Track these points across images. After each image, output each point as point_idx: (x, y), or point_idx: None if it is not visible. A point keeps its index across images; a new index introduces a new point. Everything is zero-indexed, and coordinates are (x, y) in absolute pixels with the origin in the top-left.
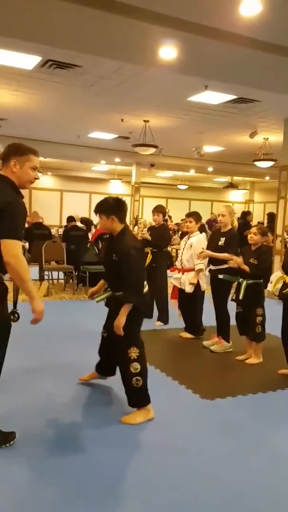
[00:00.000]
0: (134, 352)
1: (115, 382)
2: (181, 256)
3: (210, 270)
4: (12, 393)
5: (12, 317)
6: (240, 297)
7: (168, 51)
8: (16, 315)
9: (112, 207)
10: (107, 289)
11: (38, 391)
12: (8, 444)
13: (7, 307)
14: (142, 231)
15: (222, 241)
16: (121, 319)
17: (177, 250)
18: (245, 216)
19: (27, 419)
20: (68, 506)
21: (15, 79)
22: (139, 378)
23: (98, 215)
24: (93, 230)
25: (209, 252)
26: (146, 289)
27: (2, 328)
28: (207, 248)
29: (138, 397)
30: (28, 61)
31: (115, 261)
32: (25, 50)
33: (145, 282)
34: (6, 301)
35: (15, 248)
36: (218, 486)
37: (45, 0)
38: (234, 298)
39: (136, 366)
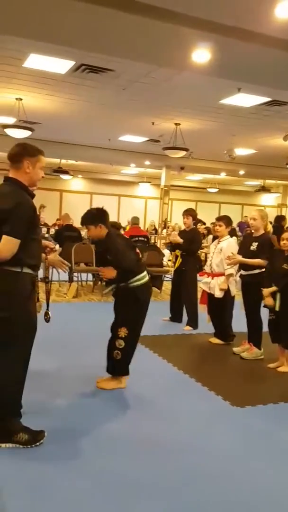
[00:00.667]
0: (123, 332)
1: (156, 392)
2: (210, 260)
3: (241, 275)
4: (42, 392)
5: (45, 318)
6: (277, 308)
7: (201, 54)
8: (48, 316)
9: (97, 216)
10: (107, 285)
11: (67, 390)
12: (37, 443)
13: (36, 305)
14: (170, 234)
15: (254, 246)
16: (112, 272)
17: (206, 254)
18: (280, 221)
19: (56, 418)
20: (93, 506)
21: (48, 83)
22: (119, 352)
23: (86, 226)
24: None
25: (239, 258)
26: (147, 279)
27: (28, 326)
28: (239, 253)
29: (114, 367)
30: (61, 65)
31: (111, 261)
32: (59, 54)
33: (146, 273)
34: (34, 298)
35: (7, 244)
36: (247, 491)
37: (79, 5)
38: (265, 305)
39: (120, 343)
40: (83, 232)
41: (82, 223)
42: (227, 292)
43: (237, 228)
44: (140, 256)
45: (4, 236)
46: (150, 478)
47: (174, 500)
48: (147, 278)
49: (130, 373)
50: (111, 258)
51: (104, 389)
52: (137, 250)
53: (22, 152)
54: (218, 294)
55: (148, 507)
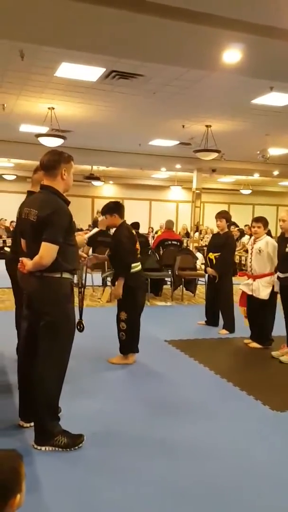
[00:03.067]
0: (123, 315)
1: (194, 397)
2: (250, 262)
3: (278, 278)
4: (78, 396)
5: (78, 327)
6: None
7: (232, 55)
8: (81, 325)
9: (113, 208)
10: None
11: (103, 395)
12: (76, 447)
13: (74, 311)
14: (203, 238)
15: None
16: (117, 289)
17: (240, 256)
18: None
19: (92, 422)
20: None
21: (80, 91)
22: (123, 333)
23: (104, 215)
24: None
25: None
26: (138, 268)
27: (68, 330)
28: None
29: (122, 346)
30: (92, 73)
31: (112, 245)
32: (89, 62)
33: (139, 263)
34: (73, 302)
35: (48, 251)
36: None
37: (108, 12)
38: None
39: (123, 325)
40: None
41: (102, 213)
42: (272, 293)
43: None
44: (139, 251)
45: (43, 243)
46: (193, 483)
47: (220, 506)
48: (139, 267)
49: (166, 378)
50: (112, 246)
51: (114, 364)
52: (137, 246)
53: (59, 159)
54: (264, 295)
55: None
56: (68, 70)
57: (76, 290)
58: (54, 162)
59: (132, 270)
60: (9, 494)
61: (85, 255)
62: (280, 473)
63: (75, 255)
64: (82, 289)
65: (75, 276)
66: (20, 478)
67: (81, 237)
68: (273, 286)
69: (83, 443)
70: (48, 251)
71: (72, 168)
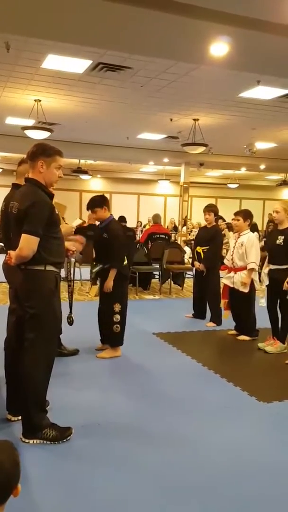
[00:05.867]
0: (117, 307)
1: (182, 388)
2: (232, 255)
3: (270, 270)
4: (66, 389)
5: (68, 321)
6: None
7: (219, 48)
8: (71, 319)
9: (103, 201)
10: (96, 264)
11: (92, 387)
12: (65, 440)
13: (60, 304)
14: (191, 231)
15: (280, 239)
16: (110, 281)
17: (226, 250)
18: None
19: (81, 414)
20: (127, 505)
21: (67, 83)
22: (118, 326)
23: (92, 210)
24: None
25: None
26: (125, 262)
27: (53, 323)
28: (266, 247)
29: (115, 340)
30: (79, 65)
31: (105, 239)
32: (76, 54)
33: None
34: (58, 295)
35: (28, 242)
36: (274, 484)
37: (95, 3)
38: None
39: (117, 317)
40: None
41: (89, 207)
42: (252, 286)
43: None
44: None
45: (23, 235)
46: (184, 472)
47: (211, 496)
48: (126, 260)
49: (155, 370)
50: (107, 237)
51: (105, 358)
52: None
53: (38, 152)
54: (243, 288)
55: (186, 505)
56: (54, 62)
57: (65, 284)
58: (32, 154)
59: (124, 262)
60: (13, 486)
61: (73, 248)
62: (270, 463)
63: (61, 248)
64: (72, 283)
65: (63, 269)
66: (19, 469)
67: (67, 226)
68: (252, 280)
69: (71, 435)
70: (27, 243)
71: (56, 162)
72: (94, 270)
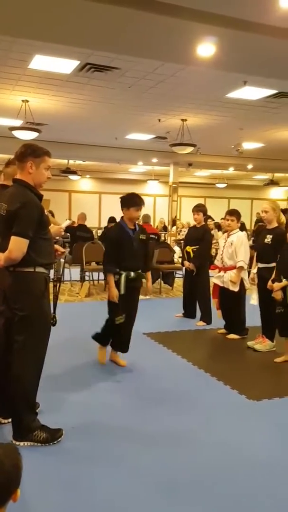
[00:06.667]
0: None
1: (172, 387)
2: (221, 254)
3: (258, 269)
4: (56, 390)
5: (51, 321)
6: None
7: (206, 48)
8: (54, 319)
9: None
10: (129, 271)
11: (83, 388)
12: (55, 442)
13: (49, 305)
14: (180, 231)
15: (268, 238)
16: (150, 282)
17: (216, 249)
18: (284, 214)
19: (71, 415)
20: (124, 503)
21: (54, 84)
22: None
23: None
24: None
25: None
26: None
27: (43, 325)
28: (254, 246)
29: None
30: (66, 65)
31: (143, 240)
32: (63, 54)
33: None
34: (48, 296)
35: (17, 244)
36: (268, 483)
37: (82, 3)
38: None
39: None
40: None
41: (141, 204)
42: (241, 284)
43: None
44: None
45: (12, 237)
46: (177, 472)
47: (205, 493)
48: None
49: (145, 370)
50: (145, 239)
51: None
52: None
53: (27, 152)
54: (233, 287)
55: (184, 504)
56: (42, 62)
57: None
58: (21, 154)
59: None
60: (13, 489)
61: (62, 249)
62: (262, 460)
63: (50, 249)
64: (58, 284)
65: (52, 270)
66: (20, 473)
67: (56, 228)
68: (242, 278)
69: (62, 437)
70: (17, 245)
71: (45, 162)
72: (132, 277)
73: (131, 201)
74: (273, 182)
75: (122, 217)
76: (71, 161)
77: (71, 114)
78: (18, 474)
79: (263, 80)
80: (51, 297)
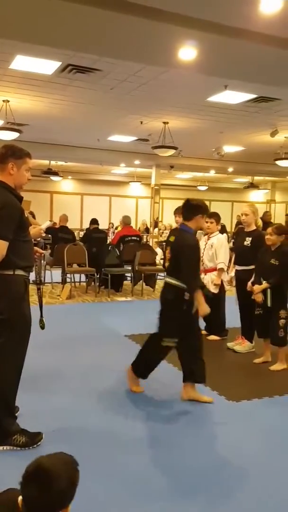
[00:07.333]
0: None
1: (151, 388)
2: (202, 257)
3: (236, 271)
4: (36, 393)
5: (40, 324)
6: (269, 304)
7: (187, 52)
8: (42, 323)
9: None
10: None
11: (62, 391)
12: (35, 445)
13: (29, 308)
14: (162, 233)
15: (248, 241)
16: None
17: None
18: (264, 216)
19: (52, 419)
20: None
21: (35, 84)
22: None
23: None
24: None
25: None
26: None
27: (23, 328)
28: (233, 248)
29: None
30: (48, 66)
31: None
32: (45, 55)
33: None
34: (27, 299)
35: None
36: (244, 481)
37: (64, 5)
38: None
39: None
40: (74, 233)
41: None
42: (221, 287)
43: None
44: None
45: None
46: (159, 474)
47: (187, 493)
48: None
49: (125, 372)
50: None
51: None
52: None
53: (8, 154)
54: (213, 289)
55: (164, 508)
56: (23, 63)
57: (34, 287)
58: (2, 156)
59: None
60: (67, 503)
61: (40, 251)
62: (243, 461)
63: (29, 251)
64: (41, 286)
65: (32, 273)
66: (75, 490)
67: (36, 229)
68: (222, 280)
69: (42, 440)
70: None
71: (26, 164)
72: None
73: (205, 209)
74: (253, 185)
75: (186, 224)
76: (52, 162)
77: (53, 115)
78: (73, 491)
79: (243, 84)
80: (33, 299)
